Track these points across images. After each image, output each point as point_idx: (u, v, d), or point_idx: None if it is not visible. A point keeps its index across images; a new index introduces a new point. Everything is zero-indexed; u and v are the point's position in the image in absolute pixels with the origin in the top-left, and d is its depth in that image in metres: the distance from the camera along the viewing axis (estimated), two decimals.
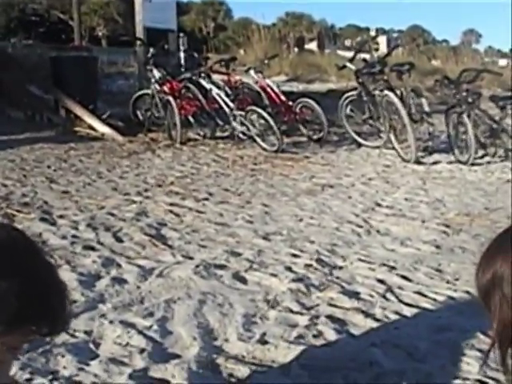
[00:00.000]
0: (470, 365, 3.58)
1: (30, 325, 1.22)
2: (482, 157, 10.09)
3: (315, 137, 11.15)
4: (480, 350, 3.72)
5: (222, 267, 4.94)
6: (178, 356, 3.58)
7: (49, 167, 8.47)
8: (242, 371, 3.42)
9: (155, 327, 3.90)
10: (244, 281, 4.70)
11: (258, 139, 10.26)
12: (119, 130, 10.86)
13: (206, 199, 7.11)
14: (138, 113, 11.45)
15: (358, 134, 11.30)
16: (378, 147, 10.84)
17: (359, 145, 11.12)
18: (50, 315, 1.23)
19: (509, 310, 1.23)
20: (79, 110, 11.14)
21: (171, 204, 6.80)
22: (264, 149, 10.15)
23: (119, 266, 4.88)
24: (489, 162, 9.96)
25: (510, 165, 9.51)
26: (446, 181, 8.78)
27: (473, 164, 9.71)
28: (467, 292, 4.64)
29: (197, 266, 4.90)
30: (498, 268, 1.25)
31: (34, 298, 1.20)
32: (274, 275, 4.80)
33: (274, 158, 9.68)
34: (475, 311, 4.25)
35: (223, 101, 10.67)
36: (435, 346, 3.80)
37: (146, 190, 7.38)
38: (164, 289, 4.49)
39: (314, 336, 3.84)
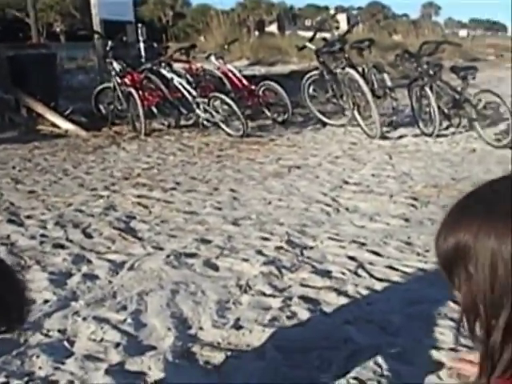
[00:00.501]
0: (444, 335, 3.61)
1: None
2: (446, 128, 10.15)
3: (280, 119, 11.15)
4: (452, 320, 3.75)
5: (192, 256, 4.93)
6: (153, 348, 3.58)
7: (13, 168, 8.38)
8: (218, 358, 3.43)
9: (129, 320, 3.88)
10: (215, 268, 4.70)
11: (223, 125, 10.24)
12: (83, 126, 10.77)
13: (174, 189, 7.08)
14: (101, 107, 11.36)
15: (323, 113, 11.31)
16: (342, 125, 10.86)
17: (324, 124, 11.14)
18: (5, 313, 1.23)
19: (472, 283, 1.21)
20: (41, 108, 11.02)
21: (139, 196, 6.77)
22: (229, 134, 10.13)
23: (90, 261, 4.85)
24: (453, 133, 10.02)
25: (474, 134, 9.59)
26: (412, 154, 8.83)
27: (438, 136, 9.77)
28: (437, 263, 4.67)
29: (167, 256, 4.89)
30: (461, 238, 1.21)
31: None
32: (246, 260, 4.80)
33: (239, 143, 9.66)
34: (446, 282, 4.30)
35: (185, 89, 10.62)
36: (408, 319, 3.83)
37: (113, 184, 7.34)
38: (136, 281, 4.47)
39: (288, 317, 3.85)
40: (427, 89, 9.79)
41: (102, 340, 3.66)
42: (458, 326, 1.31)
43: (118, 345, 3.59)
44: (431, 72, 9.98)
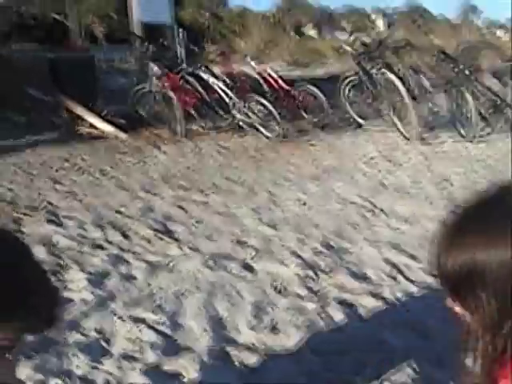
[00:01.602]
0: None
1: (16, 321, 1.25)
2: (487, 134, 9.99)
3: (317, 121, 11.10)
4: None
5: (229, 257, 4.95)
6: (189, 348, 3.60)
7: (51, 168, 8.47)
8: (253, 359, 3.44)
9: (165, 321, 3.92)
10: (252, 269, 4.72)
11: (259, 126, 10.23)
12: (121, 128, 10.84)
13: (211, 190, 7.10)
14: (139, 109, 11.41)
15: (361, 116, 11.25)
16: (380, 128, 10.79)
17: (361, 126, 11.08)
18: (36, 312, 1.27)
19: (495, 306, 1.14)
20: (80, 110, 11.12)
21: (177, 198, 6.80)
22: (266, 136, 10.12)
23: (127, 262, 4.89)
24: (493, 138, 9.90)
25: None
26: (450, 158, 8.75)
27: (477, 139, 9.65)
28: None
29: (204, 258, 4.92)
30: (475, 255, 1.12)
31: (19, 294, 1.24)
32: (282, 262, 4.81)
33: (276, 145, 9.65)
34: None
35: (222, 90, 10.64)
36: (444, 323, 3.79)
37: (151, 186, 7.38)
38: (172, 282, 4.50)
39: (323, 320, 3.86)
40: (465, 92, 9.69)
41: (138, 340, 3.69)
42: (463, 346, 1.29)
43: (154, 345, 3.63)
44: (467, 73, 9.87)
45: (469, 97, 9.59)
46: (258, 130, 10.31)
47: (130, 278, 4.59)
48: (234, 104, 10.46)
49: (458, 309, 1.28)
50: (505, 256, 1.09)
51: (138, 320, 3.92)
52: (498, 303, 1.14)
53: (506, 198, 1.17)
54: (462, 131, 9.91)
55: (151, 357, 3.50)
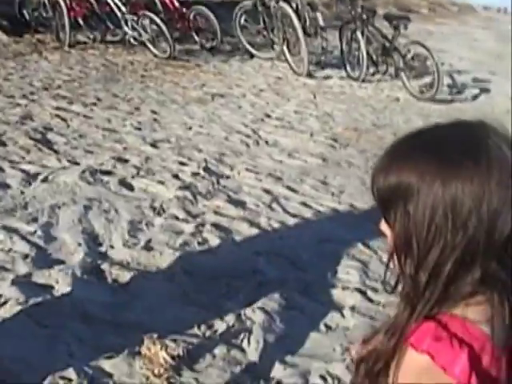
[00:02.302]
0: (350, 274, 3.71)
1: None
2: (373, 74, 10.20)
3: (208, 45, 10.98)
4: (360, 261, 3.86)
5: (108, 173, 4.87)
6: (62, 262, 3.55)
7: None
8: (127, 276, 3.43)
9: (39, 233, 3.83)
10: (130, 187, 4.67)
11: (150, 45, 10.03)
12: (4, 30, 10.36)
13: (94, 104, 6.93)
14: (25, 12, 10.93)
15: (252, 44, 11.20)
16: (270, 59, 10.79)
17: (252, 56, 11.04)
18: None
19: (409, 221, 1.24)
20: None
21: (58, 108, 6.59)
22: (155, 55, 9.94)
23: (2, 170, 4.73)
24: (379, 80, 10.09)
25: (399, 84, 9.67)
26: (336, 96, 8.87)
27: (363, 81, 9.82)
28: (351, 205, 4.77)
29: (83, 172, 4.82)
30: (404, 177, 1.24)
31: None
32: (161, 182, 4.78)
33: (165, 65, 9.49)
34: (357, 223, 4.41)
35: (115, 4, 10.33)
36: (317, 256, 3.91)
37: (31, 93, 7.11)
38: (49, 194, 4.40)
39: (199, 243, 3.88)
40: (358, 33, 9.81)
41: (10, 250, 3.60)
42: (388, 261, 1.34)
43: (26, 256, 3.55)
44: (364, 17, 9.99)
45: (361, 39, 9.72)
46: (148, 48, 10.10)
47: (4, 186, 4.44)
48: (126, 20, 10.18)
49: (387, 231, 1.33)
50: (438, 188, 1.21)
51: (10, 230, 3.81)
52: (410, 221, 1.24)
53: (435, 130, 1.30)
54: (351, 71, 10.06)
55: (23, 268, 3.43)
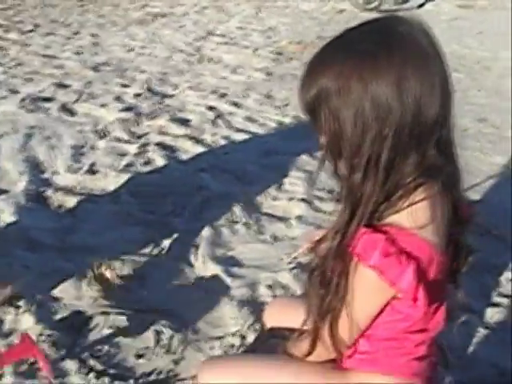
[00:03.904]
0: (296, 185, 3.71)
1: None
2: None
3: None
4: (306, 172, 3.86)
5: (49, 100, 4.78)
6: (5, 191, 3.49)
7: None
8: (72, 201, 3.40)
9: None
10: (72, 113, 4.59)
11: None
12: None
13: (32, 31, 6.74)
14: None
15: None
16: None
17: None
18: None
19: (335, 121, 1.26)
20: None
21: None
22: None
23: None
24: None
25: None
26: (280, 9, 8.75)
27: None
28: (295, 117, 4.75)
29: (23, 100, 4.72)
30: (322, 83, 1.25)
31: None
32: (104, 106, 4.70)
33: None
34: (302, 135, 4.38)
35: None
36: (263, 169, 3.90)
37: None
38: None
39: (144, 164, 3.85)
40: None
41: None
42: (319, 166, 1.35)
43: None
44: None
45: None
46: None
47: None
48: None
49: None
50: (357, 83, 1.22)
51: None
52: (337, 122, 1.26)
53: (346, 31, 1.30)
54: None
55: None
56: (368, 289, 1.31)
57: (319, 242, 1.49)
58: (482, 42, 7.39)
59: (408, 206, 1.28)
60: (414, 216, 1.27)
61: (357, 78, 1.22)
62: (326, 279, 1.37)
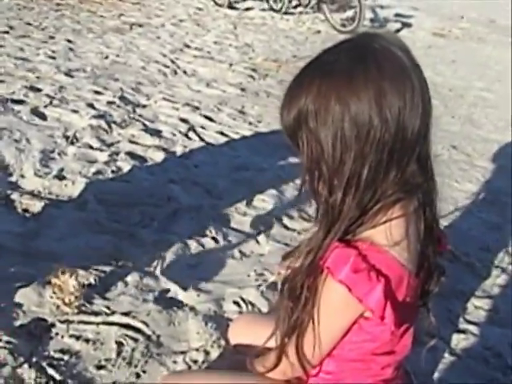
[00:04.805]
0: (266, 202, 3.70)
1: None
2: (295, 7, 10.11)
3: None
4: (276, 188, 3.85)
5: (20, 102, 4.71)
6: None
7: None
8: (38, 206, 3.34)
9: None
10: (43, 117, 4.52)
11: None
12: None
13: (7, 33, 6.66)
14: None
15: None
16: None
17: None
18: None
19: (315, 143, 1.25)
20: None
21: None
22: None
23: None
24: (301, 13, 10.01)
25: (321, 17, 9.62)
26: (257, 27, 8.77)
27: (285, 13, 9.73)
28: (268, 134, 4.74)
29: None
30: (302, 104, 1.25)
31: None
32: (75, 111, 4.65)
33: None
34: (273, 152, 4.38)
35: None
36: (233, 183, 3.88)
37: None
38: None
39: (113, 172, 3.80)
40: None
41: None
42: (299, 191, 1.35)
43: None
44: None
45: None
46: None
47: None
48: None
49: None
50: (335, 103, 1.22)
51: None
52: (317, 143, 1.26)
53: (322, 52, 1.32)
54: (273, 3, 9.95)
55: None
56: (335, 303, 1.30)
57: (292, 255, 1.49)
58: (455, 71, 7.47)
59: (385, 221, 1.27)
60: (390, 232, 1.26)
61: (334, 98, 1.22)
62: (295, 293, 1.37)
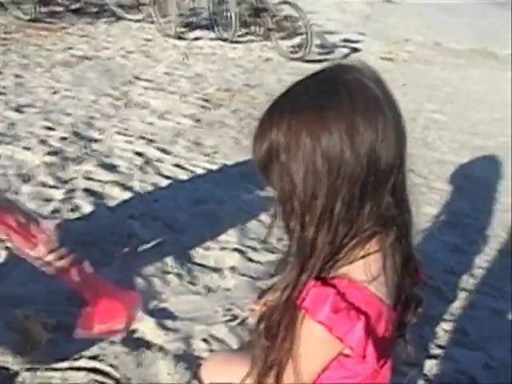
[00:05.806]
0: (228, 234, 3.66)
1: None
2: (244, 35, 10.14)
3: (72, 7, 10.59)
4: (237, 221, 3.81)
5: None
6: None
7: None
8: None
9: None
10: None
11: (10, 6, 9.56)
12: None
13: None
14: None
15: (119, 6, 10.87)
16: (138, 21, 10.52)
17: (119, 18, 10.72)
18: None
19: (287, 177, 1.22)
20: None
21: None
22: (16, 17, 9.48)
23: None
24: (250, 41, 10.03)
25: (270, 44, 9.65)
26: (206, 57, 8.76)
27: (234, 42, 9.74)
28: (225, 165, 4.71)
29: None
30: (272, 139, 1.22)
31: None
32: (28, 149, 4.55)
33: (27, 28, 9.04)
34: (232, 183, 4.35)
35: None
36: (194, 217, 3.83)
37: None
38: None
39: (71, 210, 3.72)
40: None
41: None
42: (271, 221, 1.31)
43: None
44: None
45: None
46: (7, 9, 9.62)
47: None
48: None
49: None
50: (306, 136, 1.19)
51: None
52: (288, 178, 1.23)
53: (293, 85, 1.26)
54: (221, 32, 9.95)
55: None
56: (315, 343, 1.27)
57: (268, 292, 1.46)
58: (405, 94, 7.55)
59: (362, 256, 1.25)
60: (367, 268, 1.24)
61: (305, 133, 1.19)
62: (272, 331, 1.34)
